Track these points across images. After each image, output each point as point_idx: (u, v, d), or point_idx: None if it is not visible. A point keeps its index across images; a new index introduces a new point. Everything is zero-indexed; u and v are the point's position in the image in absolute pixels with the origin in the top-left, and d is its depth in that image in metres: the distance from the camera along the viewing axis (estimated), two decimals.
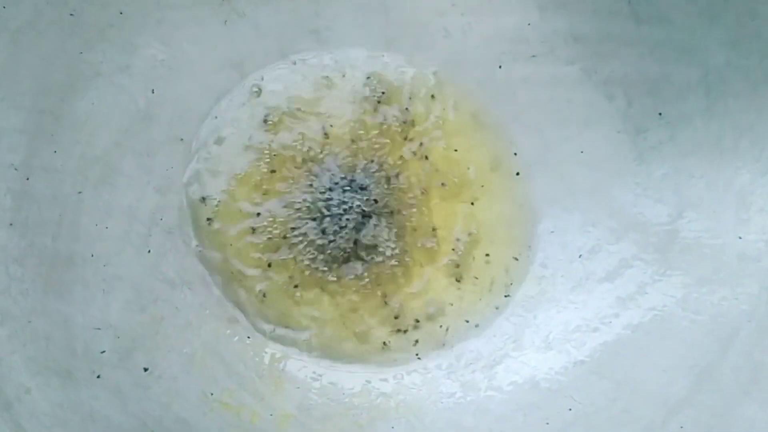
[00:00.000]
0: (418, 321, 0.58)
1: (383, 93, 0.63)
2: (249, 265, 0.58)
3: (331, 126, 0.62)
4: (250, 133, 0.61)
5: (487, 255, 0.61)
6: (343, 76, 0.64)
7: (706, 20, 0.57)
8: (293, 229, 0.58)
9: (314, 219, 0.58)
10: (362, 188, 0.60)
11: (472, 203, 0.62)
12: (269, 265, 0.58)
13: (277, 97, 0.62)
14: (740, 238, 0.55)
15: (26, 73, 0.53)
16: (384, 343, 0.57)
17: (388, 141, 0.62)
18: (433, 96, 0.64)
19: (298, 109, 0.62)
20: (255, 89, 0.63)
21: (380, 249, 0.59)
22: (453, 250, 0.60)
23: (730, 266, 0.55)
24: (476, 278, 0.60)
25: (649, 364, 0.54)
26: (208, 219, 0.58)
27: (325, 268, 0.58)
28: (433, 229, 0.61)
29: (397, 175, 0.61)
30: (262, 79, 0.63)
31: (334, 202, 0.59)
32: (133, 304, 0.53)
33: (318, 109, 0.62)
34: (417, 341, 0.58)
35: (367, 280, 0.58)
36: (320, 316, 0.58)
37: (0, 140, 0.52)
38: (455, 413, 0.54)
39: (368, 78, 0.64)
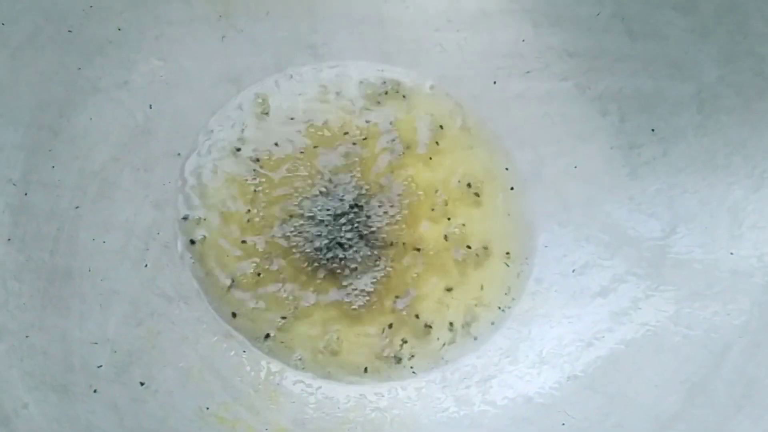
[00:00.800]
0: (407, 340, 0.58)
1: (378, 102, 0.63)
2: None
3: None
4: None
5: (482, 270, 0.61)
6: (338, 93, 0.64)
7: (699, 37, 0.58)
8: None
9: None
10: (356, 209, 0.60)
11: (463, 224, 0.62)
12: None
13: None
14: (732, 253, 0.55)
15: (25, 88, 0.54)
16: (377, 357, 0.58)
17: (378, 155, 0.62)
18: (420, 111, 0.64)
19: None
20: (259, 99, 0.63)
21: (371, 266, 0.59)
22: (445, 264, 0.61)
23: (722, 282, 0.55)
24: (471, 292, 0.60)
25: (642, 379, 0.54)
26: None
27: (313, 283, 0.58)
28: (419, 248, 0.61)
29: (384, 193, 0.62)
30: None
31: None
32: (129, 319, 0.54)
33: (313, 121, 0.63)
34: (413, 356, 0.58)
35: (361, 292, 0.59)
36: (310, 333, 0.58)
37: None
38: (449, 428, 0.55)
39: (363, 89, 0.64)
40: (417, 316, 0.59)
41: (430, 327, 0.59)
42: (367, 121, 0.63)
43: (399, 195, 0.62)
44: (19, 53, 0.54)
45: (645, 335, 0.55)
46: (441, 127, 0.64)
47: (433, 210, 0.62)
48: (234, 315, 0.57)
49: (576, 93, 0.63)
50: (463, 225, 0.62)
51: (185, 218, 0.59)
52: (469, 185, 0.63)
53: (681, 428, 0.51)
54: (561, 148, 0.63)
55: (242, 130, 0.62)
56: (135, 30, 0.60)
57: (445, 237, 0.61)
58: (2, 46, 0.53)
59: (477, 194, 0.63)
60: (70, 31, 0.56)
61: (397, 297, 0.59)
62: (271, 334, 0.57)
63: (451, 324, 0.59)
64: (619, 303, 0.57)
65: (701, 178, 0.58)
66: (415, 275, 0.60)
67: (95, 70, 0.58)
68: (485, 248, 0.61)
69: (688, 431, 0.51)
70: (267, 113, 0.63)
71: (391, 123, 0.63)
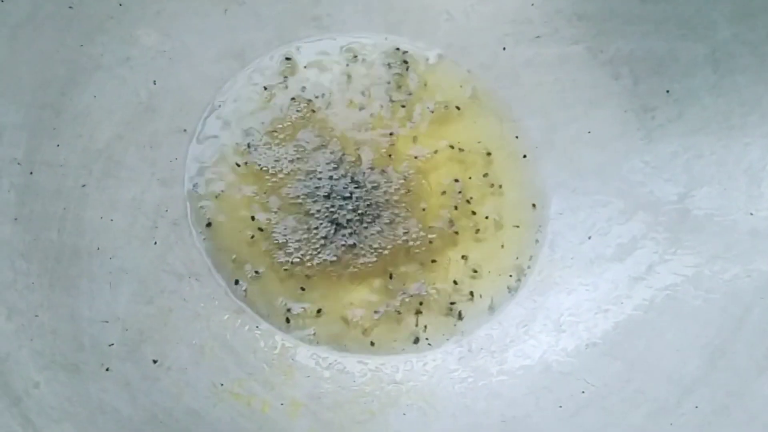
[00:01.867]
0: (424, 304, 0.58)
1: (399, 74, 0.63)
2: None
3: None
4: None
5: (497, 239, 0.60)
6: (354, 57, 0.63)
7: None
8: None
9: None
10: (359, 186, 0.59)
11: (471, 197, 0.61)
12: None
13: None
14: (751, 214, 0.54)
15: (26, 67, 0.53)
16: (392, 329, 0.57)
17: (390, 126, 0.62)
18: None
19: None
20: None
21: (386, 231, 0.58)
22: (457, 233, 0.60)
23: (742, 243, 0.54)
24: (486, 261, 0.59)
25: (662, 344, 0.53)
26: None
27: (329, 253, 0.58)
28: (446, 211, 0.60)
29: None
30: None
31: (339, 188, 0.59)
32: (140, 297, 0.53)
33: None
34: (426, 327, 0.57)
35: (375, 260, 0.58)
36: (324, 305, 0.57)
37: (2, 135, 0.51)
38: (467, 398, 0.54)
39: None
40: (433, 288, 0.58)
41: (448, 301, 0.58)
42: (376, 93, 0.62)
43: (407, 166, 0.60)
44: (18, 31, 0.53)
45: (664, 300, 0.55)
46: (448, 94, 0.63)
47: (443, 181, 0.61)
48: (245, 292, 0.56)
49: (587, 57, 0.62)
50: (471, 197, 0.61)
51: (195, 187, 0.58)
52: (480, 154, 0.61)
53: (703, 392, 0.50)
54: (573, 113, 0.62)
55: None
56: (136, 5, 0.59)
57: (455, 207, 0.60)
58: (2, 24, 0.52)
59: (488, 163, 0.61)
60: (70, 7, 0.55)
61: (408, 269, 0.58)
62: (289, 308, 0.56)
63: (470, 293, 0.58)
64: (637, 268, 0.56)
65: (717, 139, 0.57)
66: (428, 245, 0.59)
67: (96, 47, 0.57)
68: (497, 217, 0.60)
69: (711, 395, 0.50)
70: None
71: (410, 94, 0.62)
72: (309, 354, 0.55)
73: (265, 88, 0.62)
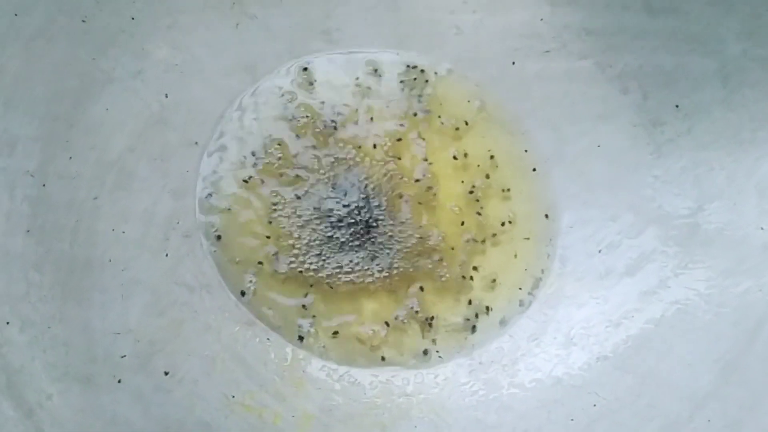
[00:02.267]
0: (437, 318, 0.58)
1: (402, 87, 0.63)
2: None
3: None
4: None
5: (509, 252, 0.60)
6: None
7: (720, 10, 0.57)
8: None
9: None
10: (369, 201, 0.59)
11: (482, 208, 0.61)
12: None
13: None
14: (762, 228, 0.54)
15: (40, 79, 0.53)
16: (403, 342, 0.57)
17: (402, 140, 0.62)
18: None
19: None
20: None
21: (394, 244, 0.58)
22: (469, 247, 0.60)
23: (752, 257, 0.54)
24: (498, 275, 0.59)
25: (673, 358, 0.53)
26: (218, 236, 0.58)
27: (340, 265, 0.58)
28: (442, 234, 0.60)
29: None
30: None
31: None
32: (151, 309, 0.53)
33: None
34: (435, 340, 0.57)
35: (386, 275, 0.58)
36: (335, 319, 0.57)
37: (15, 147, 0.51)
38: (478, 411, 0.54)
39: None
40: (445, 301, 0.58)
41: (462, 315, 0.58)
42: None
43: (419, 180, 0.60)
44: (32, 44, 0.53)
45: (675, 314, 0.55)
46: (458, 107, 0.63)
47: (455, 194, 0.61)
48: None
49: (596, 71, 0.62)
50: (482, 209, 0.61)
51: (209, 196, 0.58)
52: (489, 168, 0.62)
53: (715, 407, 0.50)
54: (583, 127, 0.62)
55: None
56: (148, 19, 0.59)
57: (462, 223, 0.60)
58: (15, 37, 0.52)
59: (498, 176, 0.62)
60: (83, 21, 0.56)
61: (419, 282, 0.58)
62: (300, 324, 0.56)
63: (476, 308, 0.58)
64: (648, 282, 0.57)
65: (727, 154, 0.57)
66: (438, 259, 0.59)
67: (109, 61, 0.57)
68: (508, 230, 0.60)
69: (723, 410, 0.50)
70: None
71: (427, 111, 0.63)
72: (319, 366, 0.55)
73: (283, 94, 0.62)
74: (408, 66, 0.64)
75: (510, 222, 0.61)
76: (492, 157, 0.62)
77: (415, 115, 0.62)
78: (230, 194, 0.59)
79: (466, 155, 0.62)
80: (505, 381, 0.55)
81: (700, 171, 0.58)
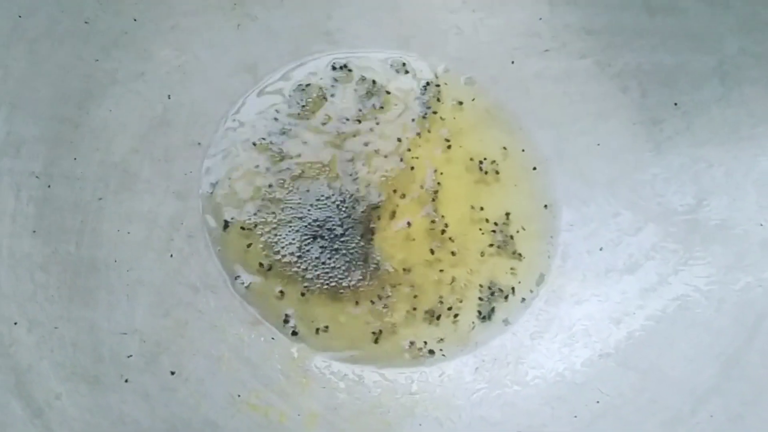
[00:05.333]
0: (440, 317, 0.58)
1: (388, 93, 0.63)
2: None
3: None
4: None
5: (507, 251, 0.61)
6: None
7: (718, 9, 0.57)
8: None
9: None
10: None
11: (482, 207, 0.61)
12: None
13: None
14: (761, 225, 0.55)
15: (44, 81, 0.54)
16: (411, 342, 0.57)
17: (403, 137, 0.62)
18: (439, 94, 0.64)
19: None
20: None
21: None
22: (469, 246, 0.60)
23: (752, 253, 0.54)
24: (497, 274, 0.60)
25: (675, 354, 0.53)
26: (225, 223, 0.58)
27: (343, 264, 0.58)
28: (443, 230, 0.61)
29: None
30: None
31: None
32: (157, 309, 0.53)
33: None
34: (442, 339, 0.57)
35: (391, 273, 0.58)
36: (338, 317, 0.58)
37: (20, 149, 0.52)
38: (482, 409, 0.54)
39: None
40: (441, 301, 0.58)
41: (457, 312, 0.58)
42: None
43: (423, 180, 0.61)
44: (36, 46, 0.53)
45: (676, 310, 0.55)
46: (460, 103, 0.63)
47: (455, 193, 0.61)
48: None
49: (595, 70, 0.63)
50: (482, 209, 0.61)
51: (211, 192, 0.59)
52: (489, 167, 0.62)
53: (717, 401, 0.50)
54: (582, 126, 0.62)
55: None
56: (150, 21, 0.59)
57: (470, 219, 0.61)
58: (20, 38, 0.52)
59: (497, 173, 0.62)
60: (86, 22, 0.56)
61: (420, 284, 0.59)
62: (291, 319, 0.56)
63: (479, 305, 0.58)
64: (649, 279, 0.57)
65: (726, 151, 0.57)
66: (439, 258, 0.59)
67: (112, 62, 0.57)
68: (508, 228, 0.61)
69: (725, 404, 0.50)
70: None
71: (427, 112, 0.63)
72: (324, 365, 0.56)
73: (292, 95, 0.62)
74: (403, 64, 0.64)
75: (510, 220, 0.61)
76: (490, 155, 0.62)
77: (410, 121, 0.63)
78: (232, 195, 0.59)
79: (466, 156, 0.62)
80: (509, 378, 0.56)
81: (699, 168, 0.58)
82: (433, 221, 0.60)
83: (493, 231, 0.61)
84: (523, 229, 0.61)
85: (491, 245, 0.60)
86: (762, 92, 0.56)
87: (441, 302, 0.59)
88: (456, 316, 0.58)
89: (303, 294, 0.57)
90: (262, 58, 0.63)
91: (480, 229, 0.60)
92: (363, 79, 0.63)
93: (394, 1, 0.65)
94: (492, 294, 0.59)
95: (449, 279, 0.59)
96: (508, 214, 0.61)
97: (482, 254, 0.60)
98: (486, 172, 0.62)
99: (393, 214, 0.60)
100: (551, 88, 0.64)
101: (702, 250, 0.56)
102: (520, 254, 0.60)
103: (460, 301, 0.59)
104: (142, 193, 0.56)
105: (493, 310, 0.59)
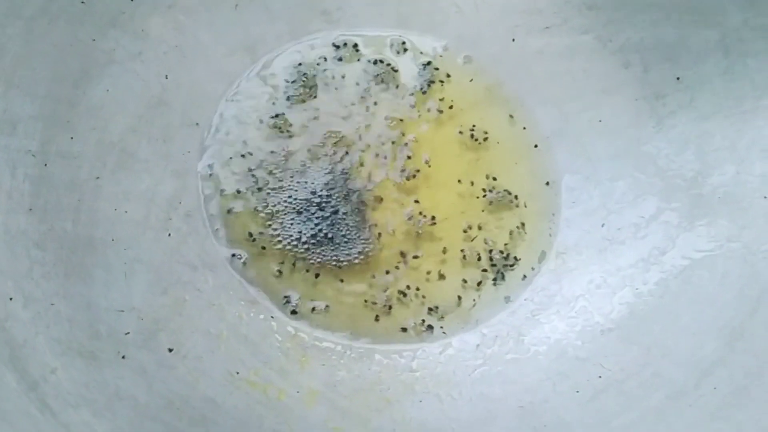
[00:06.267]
0: (439, 306, 0.58)
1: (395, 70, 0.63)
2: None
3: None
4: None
5: (509, 228, 0.60)
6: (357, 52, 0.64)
7: None
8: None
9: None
10: None
11: (490, 184, 0.61)
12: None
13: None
14: (765, 197, 0.54)
15: (41, 60, 0.53)
16: (405, 318, 0.57)
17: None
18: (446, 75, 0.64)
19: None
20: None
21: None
22: (471, 223, 0.60)
23: (756, 226, 0.54)
24: (501, 251, 0.59)
25: (678, 328, 0.53)
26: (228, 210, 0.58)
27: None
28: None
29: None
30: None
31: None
32: (155, 287, 0.53)
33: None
34: (443, 317, 0.57)
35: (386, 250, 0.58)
36: (338, 295, 0.57)
37: (16, 127, 0.51)
38: (483, 385, 0.54)
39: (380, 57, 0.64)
40: (443, 276, 0.58)
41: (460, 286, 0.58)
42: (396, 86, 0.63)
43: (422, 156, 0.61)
44: (32, 24, 0.53)
45: (679, 284, 0.54)
46: (448, 75, 0.63)
47: (456, 172, 0.61)
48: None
49: (597, 46, 0.62)
50: (492, 182, 0.61)
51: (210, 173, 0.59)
52: (485, 140, 0.62)
53: (721, 374, 0.50)
54: (585, 103, 0.62)
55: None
56: (147, 0, 0.59)
57: (471, 194, 0.60)
58: (16, 16, 0.52)
59: (500, 148, 0.62)
60: (82, 2, 0.56)
61: (418, 256, 0.58)
62: (294, 305, 0.56)
63: (479, 283, 0.58)
64: (651, 253, 0.56)
65: (730, 124, 0.57)
66: (441, 234, 0.59)
67: (109, 42, 0.57)
68: (510, 204, 0.60)
69: (729, 377, 0.49)
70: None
71: (426, 86, 0.62)
72: (323, 342, 0.55)
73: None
74: (403, 43, 0.64)
75: (513, 197, 0.61)
76: (492, 132, 0.62)
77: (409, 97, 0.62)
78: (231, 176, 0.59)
79: (466, 132, 0.62)
80: (510, 355, 0.55)
81: (702, 141, 0.57)
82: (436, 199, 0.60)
83: (491, 201, 0.60)
84: (525, 206, 0.61)
85: (488, 221, 0.60)
86: (766, 64, 0.56)
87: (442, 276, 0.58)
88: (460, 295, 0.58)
89: (302, 272, 0.57)
90: (260, 37, 0.63)
91: (478, 207, 0.60)
92: (362, 57, 0.63)
93: None
94: (491, 269, 0.59)
95: (451, 255, 0.58)
96: (509, 190, 0.61)
97: (481, 232, 0.59)
98: (482, 142, 0.61)
99: (393, 192, 0.59)
100: (553, 66, 0.63)
101: (706, 223, 0.55)
102: (519, 231, 0.60)
103: (465, 281, 0.58)
104: (140, 172, 0.56)
105: (492, 284, 0.58)
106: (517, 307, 0.58)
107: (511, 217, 0.61)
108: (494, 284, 0.59)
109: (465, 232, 0.60)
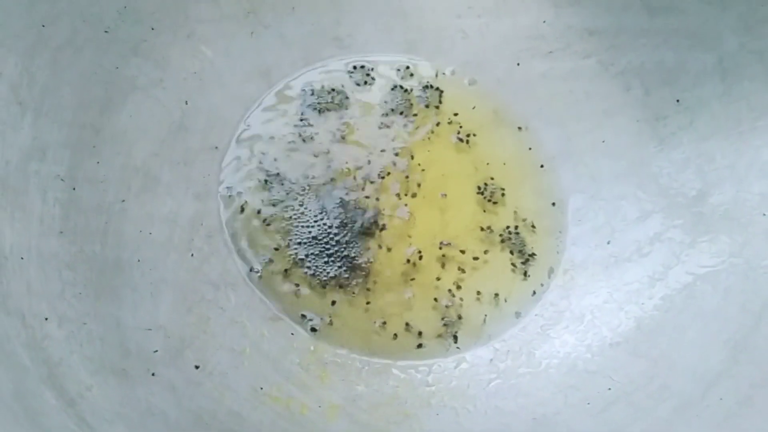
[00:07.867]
0: (452, 309, 0.60)
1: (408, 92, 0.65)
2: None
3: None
4: None
5: (517, 246, 0.62)
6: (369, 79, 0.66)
7: (717, 7, 0.59)
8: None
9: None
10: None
11: (495, 203, 0.63)
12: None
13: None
14: (764, 214, 0.56)
15: (67, 88, 0.55)
16: (420, 333, 0.59)
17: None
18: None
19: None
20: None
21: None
22: (481, 242, 0.62)
23: (756, 242, 0.56)
24: (511, 268, 0.61)
25: (684, 341, 0.55)
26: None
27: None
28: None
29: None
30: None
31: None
32: (180, 306, 0.55)
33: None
34: (457, 332, 0.59)
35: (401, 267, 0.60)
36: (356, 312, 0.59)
37: (46, 153, 0.53)
38: (497, 398, 0.55)
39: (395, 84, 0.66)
40: (452, 294, 0.60)
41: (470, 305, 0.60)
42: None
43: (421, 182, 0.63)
44: (59, 54, 0.55)
45: (684, 299, 0.56)
46: (454, 99, 0.65)
47: (465, 192, 0.63)
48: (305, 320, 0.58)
49: (599, 70, 0.64)
50: (496, 203, 0.63)
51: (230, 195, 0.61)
52: (498, 164, 0.64)
53: (727, 385, 0.51)
54: (588, 124, 0.64)
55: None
56: (167, 29, 0.61)
57: (482, 210, 0.62)
58: (44, 47, 0.54)
59: (506, 168, 0.64)
60: (106, 31, 0.58)
61: (437, 278, 0.60)
62: (313, 322, 0.58)
63: (495, 296, 0.60)
64: (656, 270, 0.58)
65: (729, 144, 0.59)
66: (449, 257, 0.61)
67: (132, 69, 0.59)
68: (520, 224, 0.62)
69: (735, 388, 0.51)
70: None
71: (435, 110, 0.65)
72: (342, 358, 0.57)
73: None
74: (406, 67, 0.66)
75: (520, 216, 0.63)
76: (499, 154, 0.64)
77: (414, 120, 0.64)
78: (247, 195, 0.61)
79: (471, 158, 0.64)
80: (522, 369, 0.57)
81: (702, 161, 0.59)
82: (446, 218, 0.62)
83: (507, 227, 0.62)
84: (533, 226, 0.62)
85: (497, 240, 0.62)
86: (762, 87, 0.58)
87: (452, 295, 0.60)
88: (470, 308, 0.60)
89: (320, 290, 0.58)
90: (275, 63, 0.65)
91: (486, 226, 0.62)
92: (375, 83, 0.65)
93: (402, 7, 0.67)
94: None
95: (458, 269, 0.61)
96: (518, 211, 0.63)
97: (490, 251, 0.61)
98: (490, 163, 0.64)
99: (404, 215, 0.61)
100: (557, 88, 0.66)
101: (708, 240, 0.57)
102: (528, 250, 0.62)
103: (479, 293, 0.60)
104: (162, 195, 0.58)
105: (503, 302, 0.60)
106: (528, 323, 0.59)
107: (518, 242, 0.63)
108: (504, 301, 0.60)
109: (475, 259, 0.61)
